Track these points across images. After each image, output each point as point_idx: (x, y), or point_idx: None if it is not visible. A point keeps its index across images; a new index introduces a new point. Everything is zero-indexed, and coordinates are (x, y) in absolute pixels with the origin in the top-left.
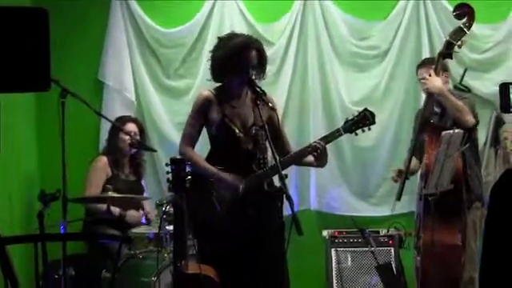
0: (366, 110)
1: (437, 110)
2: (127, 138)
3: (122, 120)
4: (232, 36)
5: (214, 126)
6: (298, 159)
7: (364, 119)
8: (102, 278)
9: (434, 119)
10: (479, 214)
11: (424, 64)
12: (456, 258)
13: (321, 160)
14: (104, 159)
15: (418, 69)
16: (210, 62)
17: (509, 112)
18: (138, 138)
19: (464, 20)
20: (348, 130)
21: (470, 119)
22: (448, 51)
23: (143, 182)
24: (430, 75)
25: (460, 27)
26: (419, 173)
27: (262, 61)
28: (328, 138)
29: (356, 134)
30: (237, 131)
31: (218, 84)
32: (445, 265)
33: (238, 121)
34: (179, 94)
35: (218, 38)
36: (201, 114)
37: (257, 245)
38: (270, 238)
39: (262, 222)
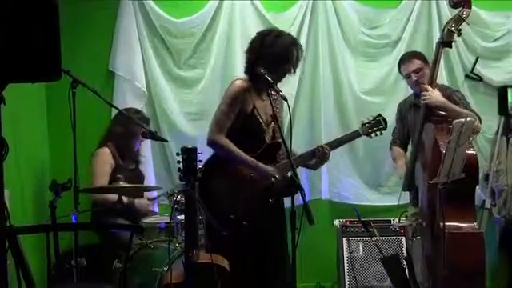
0: (379, 115)
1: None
2: (140, 137)
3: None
4: (277, 34)
5: (245, 116)
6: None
7: (378, 124)
8: (114, 268)
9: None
10: None
11: (405, 59)
12: (478, 245)
13: (319, 165)
14: (107, 151)
15: (400, 65)
16: (248, 56)
17: (506, 115)
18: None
19: (462, 8)
20: (366, 133)
21: (477, 123)
22: (448, 40)
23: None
24: (427, 90)
25: (459, 15)
26: (419, 163)
27: (300, 56)
28: (342, 139)
29: (370, 137)
30: (262, 124)
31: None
32: (468, 253)
33: (263, 113)
34: (190, 84)
35: (259, 33)
36: (237, 103)
37: (272, 236)
38: (282, 230)
39: (279, 214)
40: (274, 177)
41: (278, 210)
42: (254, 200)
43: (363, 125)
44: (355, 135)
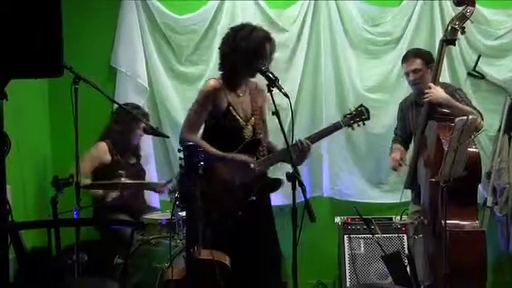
0: (361, 105)
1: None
2: (139, 132)
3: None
4: (251, 29)
5: (219, 115)
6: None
7: (360, 114)
8: (115, 264)
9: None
10: None
11: (407, 57)
12: (480, 243)
13: (301, 159)
14: (104, 146)
15: (402, 62)
16: (222, 51)
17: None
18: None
19: (465, 6)
20: (348, 123)
21: (479, 120)
22: (452, 37)
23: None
24: (430, 87)
25: (463, 13)
26: (422, 161)
27: (273, 51)
28: (323, 132)
29: (353, 128)
30: (240, 120)
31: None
32: (469, 251)
33: (240, 110)
34: (192, 81)
35: (232, 28)
36: (209, 102)
37: (262, 235)
38: (271, 228)
39: (265, 212)
40: (253, 164)
41: (263, 207)
42: (236, 198)
43: (344, 116)
44: (336, 127)
